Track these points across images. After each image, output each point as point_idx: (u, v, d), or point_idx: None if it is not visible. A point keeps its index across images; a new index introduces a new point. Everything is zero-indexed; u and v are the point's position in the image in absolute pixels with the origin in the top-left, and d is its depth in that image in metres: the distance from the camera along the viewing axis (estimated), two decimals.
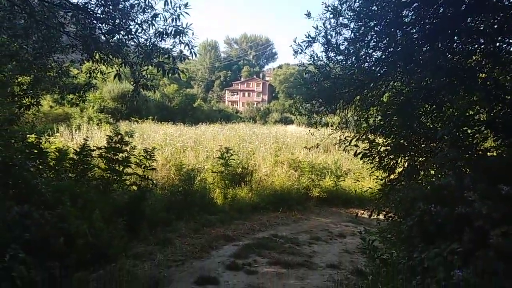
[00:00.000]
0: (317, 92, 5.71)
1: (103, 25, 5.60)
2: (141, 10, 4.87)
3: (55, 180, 5.37)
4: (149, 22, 4.96)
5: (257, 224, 8.18)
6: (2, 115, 5.96)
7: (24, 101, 5.77)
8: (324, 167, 11.93)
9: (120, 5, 4.90)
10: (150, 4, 4.78)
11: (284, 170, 11.00)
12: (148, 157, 7.34)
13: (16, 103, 5.82)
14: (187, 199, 8.16)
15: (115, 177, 6.85)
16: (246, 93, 71.98)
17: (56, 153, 6.59)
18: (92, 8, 5.28)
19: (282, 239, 7.19)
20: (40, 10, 5.65)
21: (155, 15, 4.81)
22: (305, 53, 5.65)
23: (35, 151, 6.14)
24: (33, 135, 6.69)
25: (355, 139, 5.08)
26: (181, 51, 5.26)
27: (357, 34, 4.76)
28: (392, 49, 4.73)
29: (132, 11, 5.02)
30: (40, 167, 5.65)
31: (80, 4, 5.33)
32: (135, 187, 7.01)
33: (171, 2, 4.69)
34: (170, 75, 5.14)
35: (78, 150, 6.76)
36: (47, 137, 8.63)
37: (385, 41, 4.70)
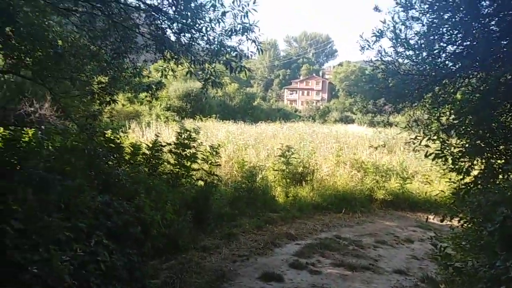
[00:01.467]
0: (384, 89, 5.50)
1: (174, 24, 5.85)
2: (211, 8, 5.00)
3: (130, 173, 5.72)
4: (218, 20, 5.07)
5: (319, 224, 8.07)
6: (86, 112, 6.46)
7: (104, 99, 6.20)
8: (388, 169, 11.46)
9: (192, 4, 5.07)
10: (221, 2, 4.90)
11: (346, 171, 10.73)
12: (214, 153, 7.56)
13: (96, 101, 6.28)
14: (250, 196, 8.28)
15: (183, 172, 7.14)
16: (305, 92, 71.39)
17: (131, 148, 7.00)
18: (165, 9, 5.54)
19: (345, 240, 7.03)
20: (118, 13, 6.02)
21: (224, 13, 4.91)
22: (372, 48, 5.46)
23: (113, 145, 6.57)
24: (109, 131, 7.18)
25: (425, 139, 4.81)
26: (247, 48, 5.33)
27: (430, 27, 4.51)
28: (468, 43, 4.42)
29: (202, 9, 5.16)
30: (117, 160, 6.04)
31: (153, 4, 5.62)
32: (201, 182, 7.25)
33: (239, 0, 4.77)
34: (237, 72, 5.23)
35: (150, 145, 7.14)
36: (121, 133, 9.21)
37: (460, 34, 4.40)
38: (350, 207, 9.30)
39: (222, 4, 4.88)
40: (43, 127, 9.60)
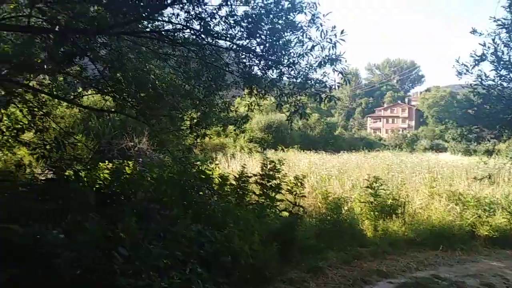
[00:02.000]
0: (484, 115, 5.06)
1: (262, 61, 6.14)
2: (298, 44, 5.15)
3: (220, 203, 5.96)
4: (305, 53, 5.19)
5: (414, 262, 7.45)
6: (181, 145, 6.98)
7: (197, 133, 6.66)
8: (492, 202, 10.28)
9: (280, 42, 5.27)
10: (308, 36, 5.02)
11: (442, 204, 9.87)
12: (298, 184, 7.55)
13: (191, 135, 6.77)
14: (336, 229, 8.02)
15: (268, 203, 7.22)
16: (390, 120, 68.44)
17: (219, 179, 7.32)
18: (253, 48, 5.85)
19: (445, 281, 6.38)
20: (210, 54, 6.52)
21: (313, 47, 5.02)
22: (471, 73, 5.11)
23: (203, 176, 6.95)
24: (198, 162, 7.63)
25: None
26: (334, 80, 5.35)
27: None
28: None
29: (289, 45, 5.34)
30: (208, 191, 6.35)
31: (243, 44, 5.96)
32: (286, 213, 7.25)
33: (326, 32, 4.84)
34: (325, 102, 5.25)
35: (237, 176, 7.39)
36: (209, 164, 9.71)
37: None
38: (448, 243, 8.47)
39: (310, 38, 5.01)
40: (141, 159, 10.53)
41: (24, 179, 4.60)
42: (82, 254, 2.89)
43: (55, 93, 6.90)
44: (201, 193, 6.22)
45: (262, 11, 5.46)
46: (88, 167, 5.39)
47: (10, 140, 6.47)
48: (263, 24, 5.48)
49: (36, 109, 6.54)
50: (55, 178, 4.15)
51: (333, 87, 5.51)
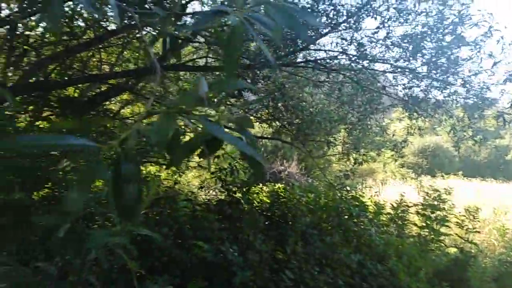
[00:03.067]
0: None
1: (423, 82, 5.73)
2: (470, 61, 4.63)
3: (380, 234, 5.64)
4: (479, 71, 4.62)
5: None
6: (340, 171, 6.95)
7: (355, 159, 6.54)
8: None
9: (446, 60, 4.84)
10: (484, 51, 4.48)
11: None
12: (471, 217, 6.62)
13: (344, 160, 6.68)
14: None
15: (432, 236, 6.50)
16: None
17: (374, 207, 6.97)
18: (414, 68, 5.50)
19: None
20: (365, 78, 6.39)
21: (495, 63, 4.43)
22: None
23: (357, 203, 6.72)
24: (347, 187, 7.40)
25: None
26: None
27: None
28: None
29: (459, 63, 4.85)
30: (368, 220, 6.10)
31: (401, 65, 5.67)
32: (454, 249, 6.40)
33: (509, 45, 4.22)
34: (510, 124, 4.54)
35: (395, 205, 6.92)
36: (362, 191, 9.37)
37: None
38: None
39: (490, 55, 4.45)
40: (291, 183, 10.83)
41: (201, 200, 5.23)
42: (256, 274, 3.06)
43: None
44: (356, 220, 6.01)
45: (424, 29, 5.14)
46: (250, 189, 5.80)
47: (187, 165, 7.52)
48: (425, 42, 5.15)
49: None
50: (227, 200, 4.58)
51: None
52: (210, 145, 0.86)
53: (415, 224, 6.85)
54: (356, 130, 7.15)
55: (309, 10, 4.90)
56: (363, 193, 8.78)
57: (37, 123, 4.42)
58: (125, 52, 5.92)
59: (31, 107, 5.22)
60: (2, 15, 3.81)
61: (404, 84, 5.80)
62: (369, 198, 6.86)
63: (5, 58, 5.06)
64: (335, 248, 4.41)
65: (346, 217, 5.64)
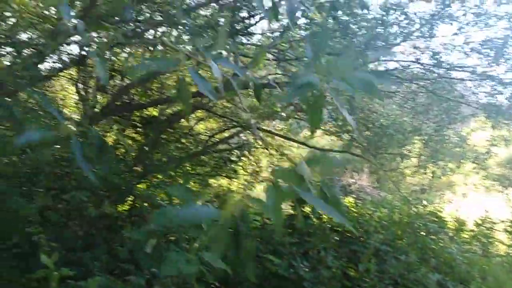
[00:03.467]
0: None
1: (506, 89, 5.31)
2: None
3: (462, 252, 5.26)
4: None
5: None
6: (415, 185, 6.65)
7: (433, 173, 6.24)
8: None
9: None
10: None
11: None
12: None
13: (421, 173, 6.38)
14: None
15: None
16: None
17: (455, 223, 6.51)
18: (497, 75, 5.12)
19: None
20: (441, 87, 6.06)
21: None
22: None
23: (435, 219, 6.33)
24: (425, 202, 6.98)
25: None
26: None
27: None
28: None
29: None
30: (448, 237, 5.74)
31: (482, 73, 5.30)
32: None
33: None
34: None
35: (479, 221, 6.40)
36: (439, 205, 8.80)
37: None
38: None
39: None
40: (368, 197, 10.53)
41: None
42: None
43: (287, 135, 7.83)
44: (434, 237, 5.67)
45: (508, 33, 4.78)
46: None
47: (252, 181, 7.72)
48: (509, 47, 4.79)
49: (275, 151, 7.58)
50: (296, 214, 4.60)
51: None
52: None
53: (503, 243, 6.27)
54: (432, 142, 6.79)
55: (380, 21, 4.80)
56: (442, 208, 8.25)
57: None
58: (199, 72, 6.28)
59: (116, 126, 5.76)
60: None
61: (486, 92, 5.42)
62: (449, 214, 6.41)
63: (95, 83, 5.67)
64: (411, 267, 4.21)
65: (423, 234, 5.35)
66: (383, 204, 6.73)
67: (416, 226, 5.26)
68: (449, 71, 5.62)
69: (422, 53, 5.43)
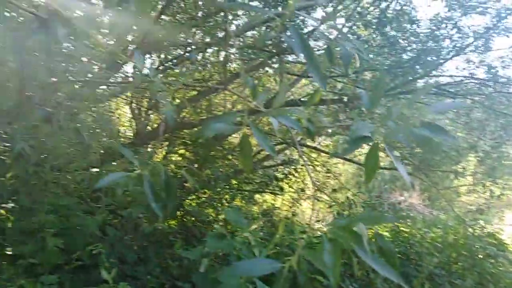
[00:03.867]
0: None
1: None
2: None
3: None
4: None
5: None
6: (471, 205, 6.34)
7: (494, 191, 5.92)
8: None
9: None
10: None
11: None
12: None
13: (484, 192, 6.09)
14: None
15: None
16: None
17: None
18: None
19: None
20: (498, 101, 5.75)
21: None
22: None
23: (494, 241, 5.93)
24: (482, 222, 6.56)
25: None
26: None
27: None
28: None
29: None
30: (501, 260, 5.36)
31: None
32: None
33: None
34: None
35: None
36: (496, 226, 8.25)
37: None
38: None
39: None
40: (420, 216, 10.10)
41: (318, 231, 5.25)
42: None
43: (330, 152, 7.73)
44: (493, 261, 5.31)
45: None
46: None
47: (296, 197, 7.68)
48: None
49: (319, 167, 7.51)
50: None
51: None
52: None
53: None
54: (490, 159, 6.43)
55: (430, 36, 4.69)
56: (501, 229, 7.73)
57: None
58: (246, 90, 6.44)
59: (167, 144, 6.02)
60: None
61: None
62: (509, 236, 6.00)
63: (148, 102, 5.98)
64: None
65: (480, 257, 5.04)
66: (435, 224, 6.43)
67: (473, 248, 4.97)
68: (506, 86, 5.35)
69: (477, 67, 5.22)
